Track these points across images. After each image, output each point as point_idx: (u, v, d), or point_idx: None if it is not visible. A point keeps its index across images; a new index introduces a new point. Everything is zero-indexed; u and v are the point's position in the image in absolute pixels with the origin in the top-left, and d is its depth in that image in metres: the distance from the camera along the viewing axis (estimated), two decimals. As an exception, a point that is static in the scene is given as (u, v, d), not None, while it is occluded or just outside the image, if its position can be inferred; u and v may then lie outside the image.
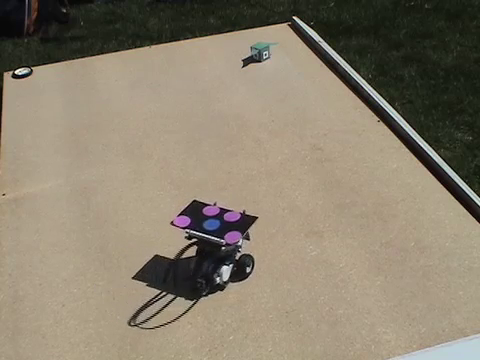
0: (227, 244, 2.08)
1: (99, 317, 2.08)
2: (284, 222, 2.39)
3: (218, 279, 2.09)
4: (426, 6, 5.39)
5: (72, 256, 2.33)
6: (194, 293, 2.09)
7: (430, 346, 1.88)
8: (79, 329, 2.05)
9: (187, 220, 2.15)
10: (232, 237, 2.10)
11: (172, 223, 2.15)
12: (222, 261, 2.11)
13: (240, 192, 2.52)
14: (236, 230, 2.12)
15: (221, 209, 2.20)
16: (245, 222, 2.16)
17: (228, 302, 2.08)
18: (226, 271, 2.11)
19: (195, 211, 2.19)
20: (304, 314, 2.02)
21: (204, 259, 2.09)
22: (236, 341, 1.96)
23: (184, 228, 2.12)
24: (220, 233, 2.10)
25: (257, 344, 1.94)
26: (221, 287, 2.12)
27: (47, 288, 2.21)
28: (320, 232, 2.33)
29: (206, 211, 2.20)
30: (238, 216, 2.18)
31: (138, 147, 2.89)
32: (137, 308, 2.09)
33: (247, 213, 2.18)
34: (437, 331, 1.93)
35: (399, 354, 1.87)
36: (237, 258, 2.15)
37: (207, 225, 2.14)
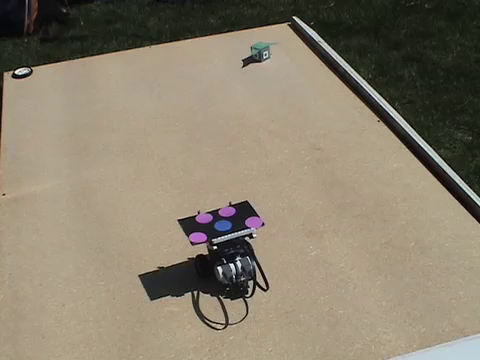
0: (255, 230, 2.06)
1: (99, 317, 2.08)
2: (284, 222, 2.39)
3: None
4: (426, 6, 5.39)
5: (72, 256, 2.33)
6: (240, 293, 2.09)
7: (430, 346, 1.88)
8: (79, 329, 2.05)
9: (201, 235, 2.08)
10: (254, 223, 2.10)
11: (193, 243, 2.07)
12: (246, 255, 2.08)
13: (240, 192, 2.52)
14: (248, 216, 2.12)
15: (209, 213, 2.17)
16: (245, 208, 2.16)
17: (228, 302, 2.08)
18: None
19: (193, 226, 2.12)
20: (304, 314, 2.02)
21: (236, 259, 2.06)
22: (236, 341, 1.96)
23: (207, 241, 2.06)
24: (239, 226, 2.08)
25: (257, 344, 1.94)
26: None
27: (47, 288, 2.21)
28: (320, 232, 2.33)
29: (200, 220, 2.14)
30: (231, 208, 2.17)
31: (138, 147, 2.89)
32: (137, 308, 2.09)
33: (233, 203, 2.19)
34: (437, 331, 1.93)
35: (399, 354, 1.87)
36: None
37: (220, 228, 2.09)
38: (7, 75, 3.60)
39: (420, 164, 2.62)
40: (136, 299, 2.13)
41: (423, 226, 2.32)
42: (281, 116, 3.01)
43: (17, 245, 2.41)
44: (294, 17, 3.88)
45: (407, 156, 2.68)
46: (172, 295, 2.12)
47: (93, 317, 2.09)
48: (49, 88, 3.44)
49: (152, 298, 2.12)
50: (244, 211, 2.16)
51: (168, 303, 2.10)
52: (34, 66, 3.70)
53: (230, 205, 2.19)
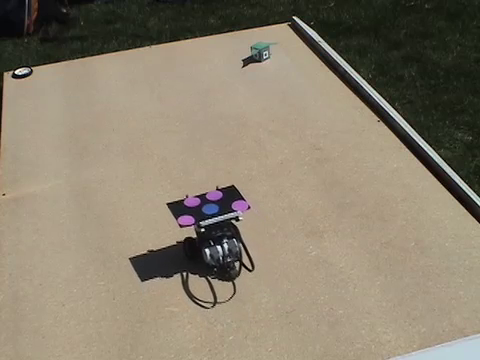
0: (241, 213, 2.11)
1: (99, 317, 2.08)
2: (284, 222, 2.39)
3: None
4: (426, 6, 5.39)
5: (72, 256, 2.33)
6: (228, 274, 2.14)
7: (430, 346, 1.88)
8: (79, 329, 2.05)
9: (189, 218, 2.13)
10: (240, 206, 2.14)
11: (181, 226, 2.12)
12: (233, 237, 2.14)
13: (240, 192, 2.52)
14: (235, 200, 2.16)
15: (197, 197, 2.21)
16: (231, 192, 2.21)
17: (228, 302, 2.08)
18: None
19: (181, 209, 2.17)
20: (304, 314, 2.02)
21: (223, 241, 2.11)
22: (236, 341, 1.96)
23: (194, 224, 2.11)
24: (226, 210, 2.13)
25: (257, 344, 1.95)
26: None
27: (47, 288, 2.21)
28: (320, 232, 2.33)
29: (189, 203, 2.19)
30: (218, 192, 2.22)
31: (138, 147, 2.89)
32: (137, 308, 2.09)
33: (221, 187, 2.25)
34: (437, 331, 1.93)
35: (399, 354, 1.87)
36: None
37: (207, 211, 2.14)
38: (7, 75, 3.60)
39: (420, 164, 2.62)
40: (136, 299, 2.13)
41: (423, 226, 2.32)
42: (281, 116, 3.01)
43: (17, 245, 2.41)
44: (294, 17, 3.89)
45: (407, 156, 2.68)
46: (172, 295, 2.12)
47: (93, 317, 2.09)
48: (49, 88, 3.44)
49: (152, 298, 2.12)
50: (231, 195, 2.21)
51: (168, 303, 2.10)
52: (34, 66, 3.70)
53: (217, 189, 2.22)
